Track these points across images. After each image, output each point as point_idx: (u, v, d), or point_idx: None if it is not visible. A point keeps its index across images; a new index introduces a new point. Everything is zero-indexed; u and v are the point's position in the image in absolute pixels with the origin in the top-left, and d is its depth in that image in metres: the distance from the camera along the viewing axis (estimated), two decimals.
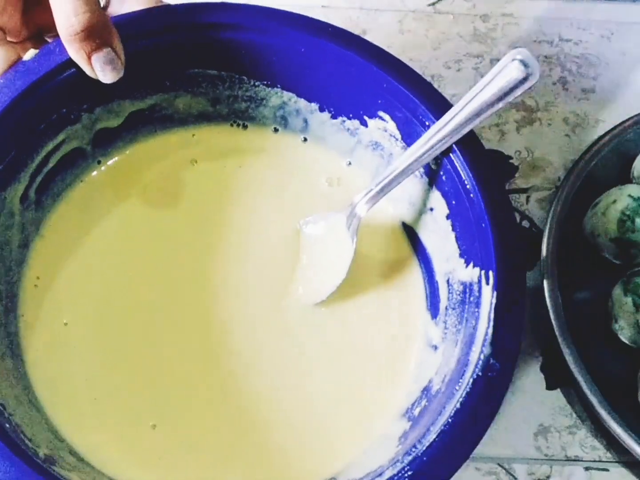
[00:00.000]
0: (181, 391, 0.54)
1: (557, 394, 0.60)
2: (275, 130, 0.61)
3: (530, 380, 0.60)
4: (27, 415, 0.51)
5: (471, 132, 0.53)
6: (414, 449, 0.47)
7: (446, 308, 0.54)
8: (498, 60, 0.70)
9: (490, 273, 0.50)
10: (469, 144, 0.53)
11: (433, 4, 0.73)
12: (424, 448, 0.47)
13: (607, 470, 0.58)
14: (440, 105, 0.53)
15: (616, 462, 0.58)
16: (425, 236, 0.57)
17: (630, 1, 0.73)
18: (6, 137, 0.52)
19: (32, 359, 0.54)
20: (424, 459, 0.46)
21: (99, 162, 0.59)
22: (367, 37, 0.57)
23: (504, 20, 0.72)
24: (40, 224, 0.57)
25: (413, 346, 0.56)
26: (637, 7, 0.73)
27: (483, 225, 0.51)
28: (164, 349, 0.55)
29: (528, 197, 0.66)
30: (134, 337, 0.55)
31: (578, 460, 0.58)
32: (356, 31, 0.58)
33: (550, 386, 0.60)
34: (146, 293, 0.57)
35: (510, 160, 0.67)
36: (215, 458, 0.53)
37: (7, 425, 0.47)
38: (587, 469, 0.58)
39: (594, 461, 0.59)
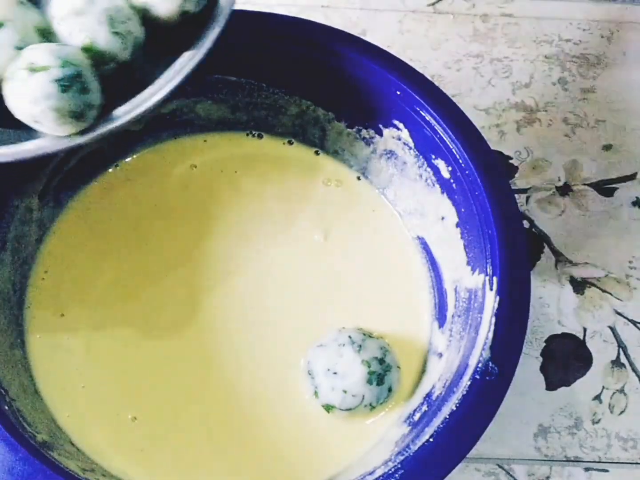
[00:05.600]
0: (162, 387, 0.55)
1: (557, 394, 0.60)
2: (290, 142, 0.62)
3: (530, 381, 0.60)
4: (30, 402, 0.52)
5: (481, 139, 0.53)
6: (407, 450, 0.47)
7: (452, 316, 0.55)
8: (498, 60, 0.71)
9: (495, 279, 0.50)
10: (479, 151, 0.53)
11: (433, 4, 0.73)
12: (417, 448, 0.47)
13: (607, 471, 0.58)
14: (453, 115, 0.54)
15: (616, 462, 0.58)
16: (435, 246, 0.58)
17: (630, 1, 0.73)
18: None
19: (34, 349, 0.55)
20: (417, 459, 0.46)
21: (116, 165, 0.60)
22: (367, 37, 0.57)
23: (504, 20, 0.72)
24: (55, 220, 0.58)
25: (419, 355, 0.56)
26: (637, 7, 0.73)
27: (490, 232, 0.51)
28: (149, 346, 0.56)
29: (528, 197, 0.66)
30: (124, 332, 0.56)
31: (578, 461, 0.59)
32: (356, 31, 0.58)
33: (550, 386, 0.60)
34: (139, 293, 0.57)
35: (510, 161, 0.67)
36: (203, 458, 0.53)
37: (7, 408, 0.48)
38: (587, 469, 0.59)
39: (594, 462, 0.59)
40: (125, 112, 0.46)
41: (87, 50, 0.46)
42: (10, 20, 0.45)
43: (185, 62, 0.47)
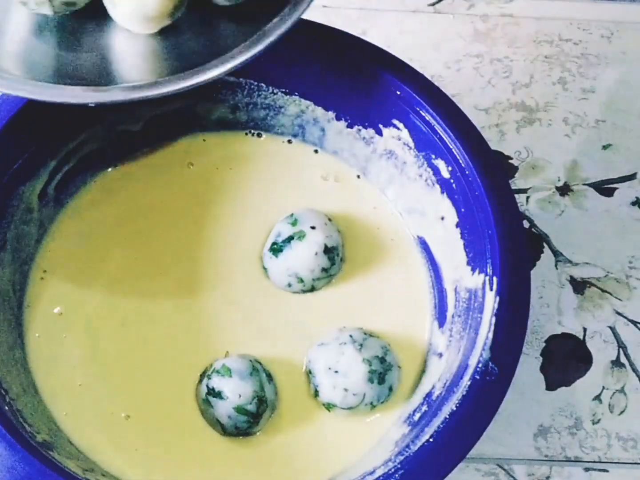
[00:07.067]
0: (156, 385, 0.54)
1: (557, 394, 0.60)
2: (289, 141, 0.62)
3: (530, 381, 0.60)
4: (30, 402, 0.52)
5: (481, 139, 0.53)
6: (407, 450, 0.47)
7: (452, 316, 0.54)
8: (498, 60, 0.71)
9: (495, 279, 0.50)
10: (479, 151, 0.53)
11: (433, 4, 0.73)
12: (417, 448, 0.47)
13: (606, 471, 0.58)
14: (453, 115, 0.54)
15: (616, 462, 0.58)
16: (435, 245, 0.57)
17: (630, 1, 0.73)
18: (25, 131, 0.53)
19: (33, 347, 0.55)
20: (417, 459, 0.46)
21: (116, 165, 0.60)
22: (367, 37, 0.57)
23: (504, 20, 0.72)
24: (55, 220, 0.58)
25: (419, 355, 0.56)
26: (637, 7, 0.73)
27: (490, 232, 0.51)
28: (145, 344, 0.56)
29: (528, 197, 0.66)
30: (121, 331, 0.56)
31: (578, 461, 0.59)
32: (356, 31, 0.58)
33: (550, 386, 0.61)
34: (138, 292, 0.57)
35: (510, 161, 0.67)
36: (198, 458, 0.53)
37: (7, 408, 0.48)
38: (587, 469, 0.59)
39: (594, 462, 0.59)
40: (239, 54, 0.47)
41: None
42: None
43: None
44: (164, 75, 0.47)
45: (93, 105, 0.47)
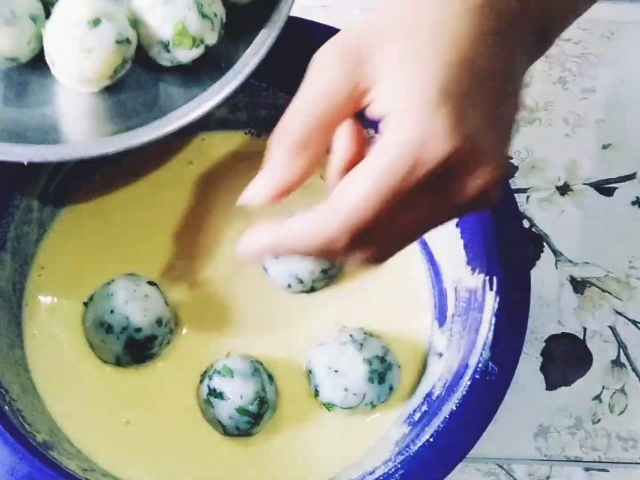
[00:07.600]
0: (156, 391, 0.55)
1: (557, 394, 0.60)
2: None
3: (530, 380, 0.60)
4: (30, 402, 0.52)
5: None
6: (407, 450, 0.47)
7: (452, 316, 0.55)
8: None
9: (495, 279, 0.50)
10: None
11: None
12: (417, 448, 0.47)
13: (607, 470, 0.59)
14: None
15: (616, 462, 0.58)
16: (435, 245, 0.57)
17: (630, 1, 0.73)
18: None
19: (31, 346, 0.55)
20: (417, 459, 0.47)
21: (116, 165, 0.60)
22: None
23: None
24: (55, 220, 0.58)
25: (419, 355, 0.56)
26: (637, 7, 0.73)
27: (490, 232, 0.51)
28: None
29: (528, 197, 0.66)
30: None
31: (578, 461, 0.59)
32: None
33: (550, 386, 0.61)
34: None
35: (510, 161, 0.67)
36: (199, 461, 0.53)
37: (7, 408, 0.48)
38: (587, 469, 0.59)
39: (594, 462, 0.59)
40: (219, 90, 0.48)
41: (181, 34, 0.47)
42: (105, 16, 0.45)
43: (264, 40, 0.49)
44: (107, 134, 0.47)
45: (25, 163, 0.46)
